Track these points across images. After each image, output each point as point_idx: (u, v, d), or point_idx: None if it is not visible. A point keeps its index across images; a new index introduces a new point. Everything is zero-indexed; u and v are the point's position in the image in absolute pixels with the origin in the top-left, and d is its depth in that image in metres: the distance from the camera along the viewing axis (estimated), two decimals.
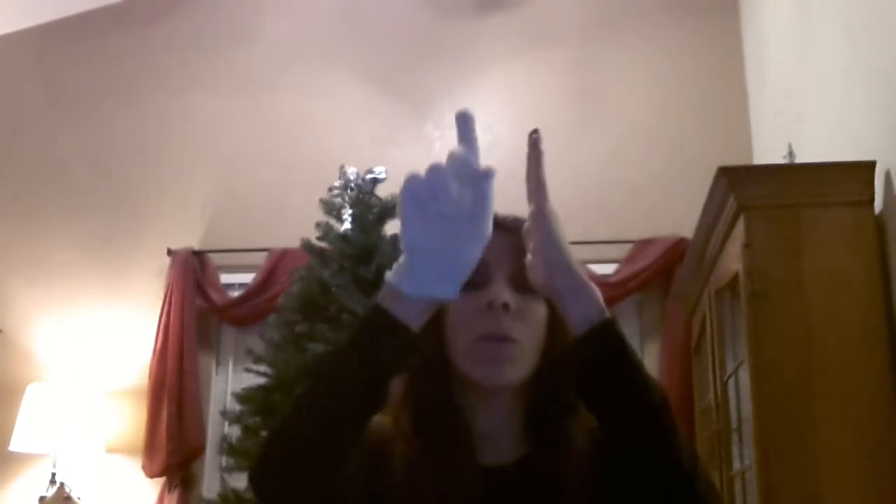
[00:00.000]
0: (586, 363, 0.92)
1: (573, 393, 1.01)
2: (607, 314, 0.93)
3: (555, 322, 1.02)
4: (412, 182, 0.85)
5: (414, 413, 1.02)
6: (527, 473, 0.99)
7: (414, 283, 0.88)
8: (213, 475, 3.74)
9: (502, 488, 0.98)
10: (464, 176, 0.86)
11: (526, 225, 0.97)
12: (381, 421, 1.03)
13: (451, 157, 0.88)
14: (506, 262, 1.02)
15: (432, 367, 1.02)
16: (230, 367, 4.01)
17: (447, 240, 0.86)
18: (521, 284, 1.01)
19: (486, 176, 0.87)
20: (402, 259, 0.90)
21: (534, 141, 0.97)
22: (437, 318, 1.01)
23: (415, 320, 0.90)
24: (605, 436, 0.94)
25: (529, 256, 0.96)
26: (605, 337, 0.92)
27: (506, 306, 0.98)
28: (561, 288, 0.94)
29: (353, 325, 0.95)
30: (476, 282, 0.99)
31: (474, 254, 0.89)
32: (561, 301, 0.94)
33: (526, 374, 1.01)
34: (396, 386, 1.03)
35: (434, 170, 0.86)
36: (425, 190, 0.85)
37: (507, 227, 1.05)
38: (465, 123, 0.91)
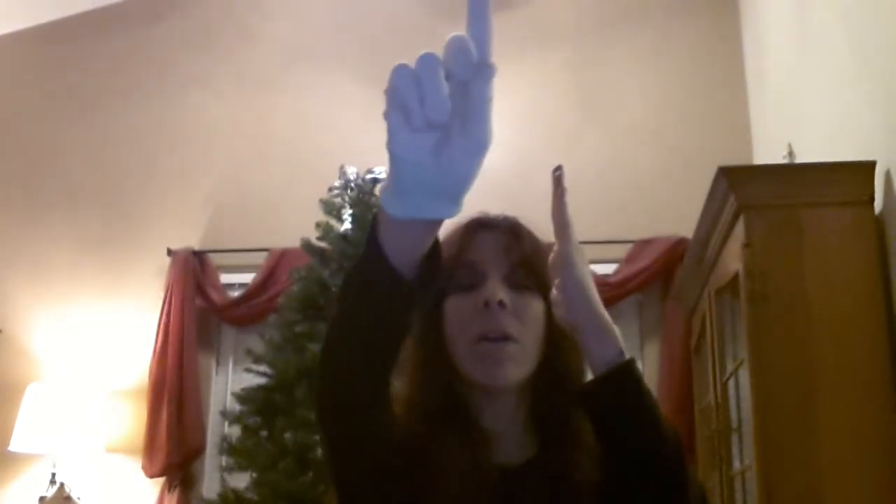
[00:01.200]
0: (602, 405, 0.93)
1: (577, 387, 1.01)
2: (626, 356, 0.93)
3: (553, 317, 1.02)
4: (398, 79, 0.68)
5: (422, 416, 1.01)
6: (537, 473, 0.99)
7: (403, 203, 0.72)
8: (213, 475, 3.75)
9: (514, 488, 0.98)
10: (461, 69, 0.67)
11: (551, 259, 0.98)
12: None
13: (450, 44, 0.68)
14: (499, 262, 1.03)
15: (435, 370, 1.02)
16: (230, 367, 4.01)
17: (438, 153, 0.69)
18: (516, 282, 1.02)
19: (486, 72, 0.68)
20: (388, 174, 0.73)
21: (557, 178, 0.99)
22: (437, 321, 1.02)
23: (411, 248, 0.78)
24: (615, 474, 0.94)
25: (555, 292, 0.97)
26: (623, 381, 0.92)
27: (501, 304, 0.99)
28: (582, 327, 0.94)
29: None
30: (471, 283, 1.01)
31: (471, 167, 0.71)
32: (581, 339, 0.95)
33: (528, 371, 1.02)
34: (401, 389, 1.04)
35: (424, 62, 0.67)
36: (412, 90, 0.68)
37: (498, 227, 1.06)
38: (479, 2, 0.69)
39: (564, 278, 0.95)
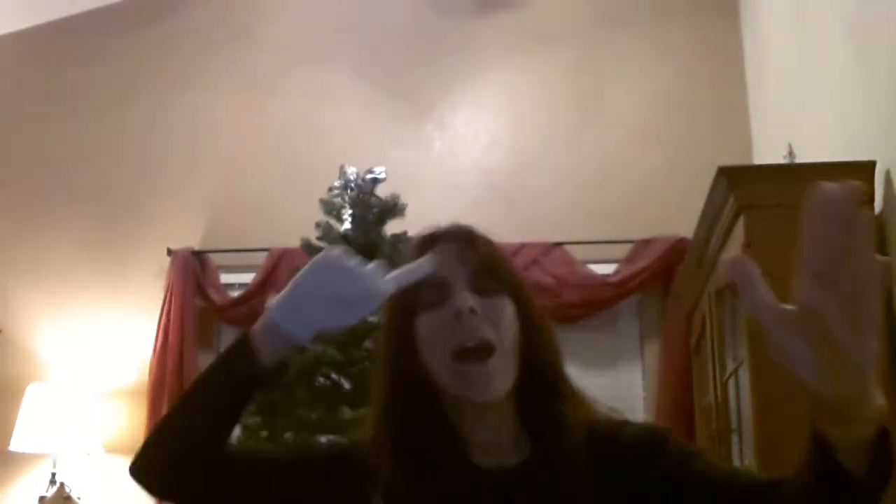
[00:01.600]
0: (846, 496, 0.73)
1: (554, 374, 1.03)
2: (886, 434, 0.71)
3: (524, 316, 1.03)
4: (327, 256, 1.00)
5: (395, 438, 1.01)
6: (532, 475, 0.98)
7: (282, 313, 0.99)
8: None
9: (509, 491, 0.98)
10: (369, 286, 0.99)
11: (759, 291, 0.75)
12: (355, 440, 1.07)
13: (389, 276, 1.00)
14: (462, 271, 1.02)
15: (413, 387, 1.02)
16: None
17: (326, 305, 0.98)
18: (481, 287, 1.02)
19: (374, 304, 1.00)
20: (284, 293, 1.00)
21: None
22: (410, 342, 1.02)
23: (272, 354, 1.00)
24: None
25: (784, 343, 0.68)
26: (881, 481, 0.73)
27: (472, 311, 0.99)
28: (848, 417, 0.69)
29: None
30: (438, 298, 1.01)
31: (334, 323, 1.00)
32: (834, 412, 0.69)
33: (514, 378, 1.01)
34: (371, 409, 1.06)
35: (345, 266, 0.99)
36: (331, 268, 0.99)
37: (450, 237, 1.06)
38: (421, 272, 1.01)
39: (862, 347, 0.65)
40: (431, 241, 1.07)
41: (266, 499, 1.03)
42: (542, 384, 1.02)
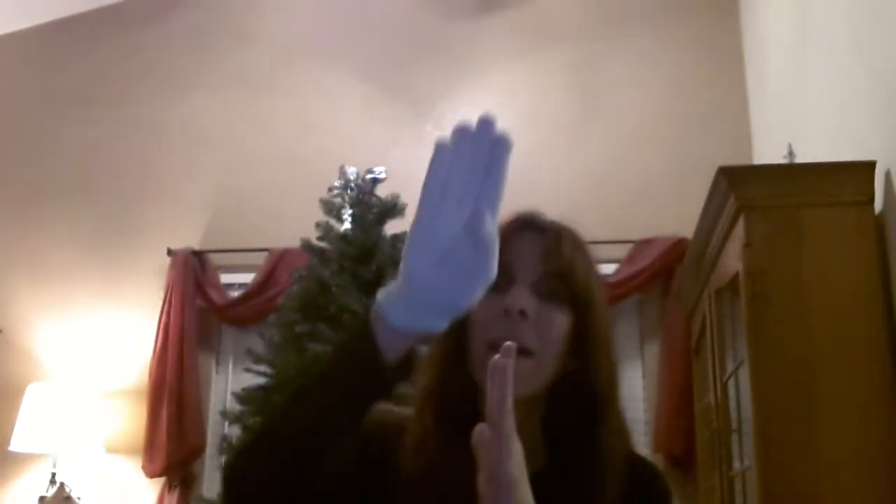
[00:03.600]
0: None
1: (602, 403, 0.99)
2: None
3: (577, 334, 0.99)
4: (442, 159, 0.79)
5: (438, 411, 0.99)
6: (540, 487, 0.97)
7: (408, 315, 0.85)
8: (213, 475, 3.75)
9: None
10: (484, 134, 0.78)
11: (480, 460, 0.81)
12: (390, 409, 1.03)
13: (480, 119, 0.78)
14: (531, 267, 0.99)
15: (454, 369, 1.00)
16: (230, 367, 4.01)
17: (450, 274, 0.81)
18: (545, 291, 0.98)
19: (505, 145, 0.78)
20: (399, 282, 0.85)
21: (501, 363, 0.81)
22: (463, 318, 0.99)
23: (398, 351, 0.87)
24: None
25: (485, 492, 0.80)
26: None
27: (522, 313, 0.95)
28: None
29: (343, 340, 0.92)
30: (498, 284, 0.95)
31: (474, 293, 0.84)
32: None
33: (541, 385, 0.98)
34: (421, 380, 1.03)
35: (461, 137, 0.78)
36: (450, 171, 0.79)
37: (542, 230, 1.02)
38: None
39: (503, 495, 0.79)
40: (522, 226, 1.02)
41: None
42: (582, 405, 0.99)
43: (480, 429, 0.78)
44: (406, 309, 0.84)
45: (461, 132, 0.78)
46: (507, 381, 0.78)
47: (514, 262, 0.98)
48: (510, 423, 0.78)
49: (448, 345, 1.01)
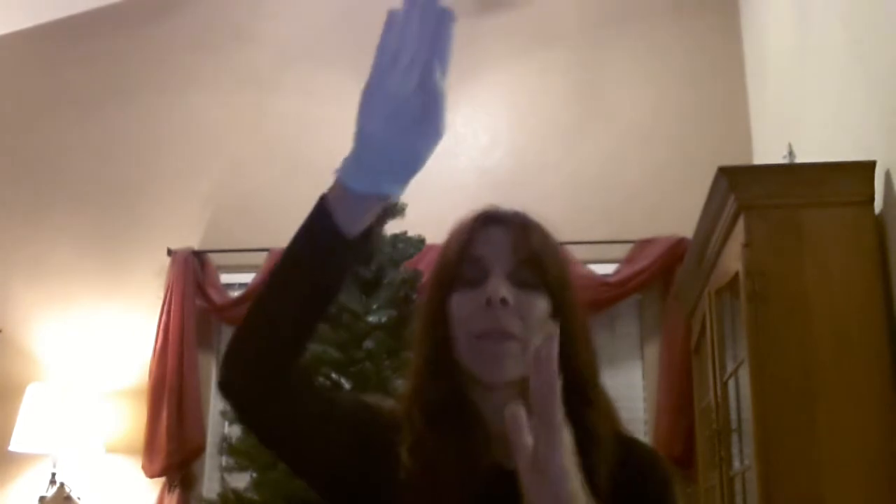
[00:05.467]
0: None
1: (584, 383, 1.01)
2: None
3: (558, 316, 1.01)
4: (393, 27, 0.86)
5: (425, 409, 1.01)
6: None
7: (362, 177, 0.87)
8: (213, 475, 3.75)
9: (508, 489, 0.97)
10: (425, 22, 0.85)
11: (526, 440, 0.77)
12: (384, 400, 1.06)
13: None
14: (505, 258, 1.01)
15: (440, 366, 1.02)
16: None
17: (401, 130, 0.85)
18: (521, 280, 1.00)
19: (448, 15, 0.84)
20: (354, 146, 0.88)
21: (545, 350, 0.77)
22: (443, 316, 1.02)
23: (358, 224, 0.90)
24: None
25: (528, 483, 0.75)
26: None
27: (504, 302, 0.98)
28: None
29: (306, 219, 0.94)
30: (475, 279, 1.00)
31: (427, 152, 0.86)
32: None
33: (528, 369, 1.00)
34: (406, 381, 1.05)
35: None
36: (399, 38, 0.86)
37: (507, 222, 1.05)
38: None
39: (555, 488, 0.75)
40: (487, 220, 1.05)
41: (322, 437, 0.98)
42: (567, 389, 1.01)
43: (514, 412, 0.75)
44: (361, 172, 0.87)
45: (410, 1, 0.84)
46: (552, 367, 0.75)
47: (486, 256, 1.01)
48: (559, 412, 0.75)
49: (430, 345, 1.03)
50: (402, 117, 0.85)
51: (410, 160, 0.86)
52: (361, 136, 0.86)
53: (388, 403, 1.08)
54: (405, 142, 0.85)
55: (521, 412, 0.76)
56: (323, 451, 0.99)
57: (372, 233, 0.93)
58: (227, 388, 0.94)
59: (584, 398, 1.00)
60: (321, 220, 0.91)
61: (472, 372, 1.00)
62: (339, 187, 0.90)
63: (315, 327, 0.94)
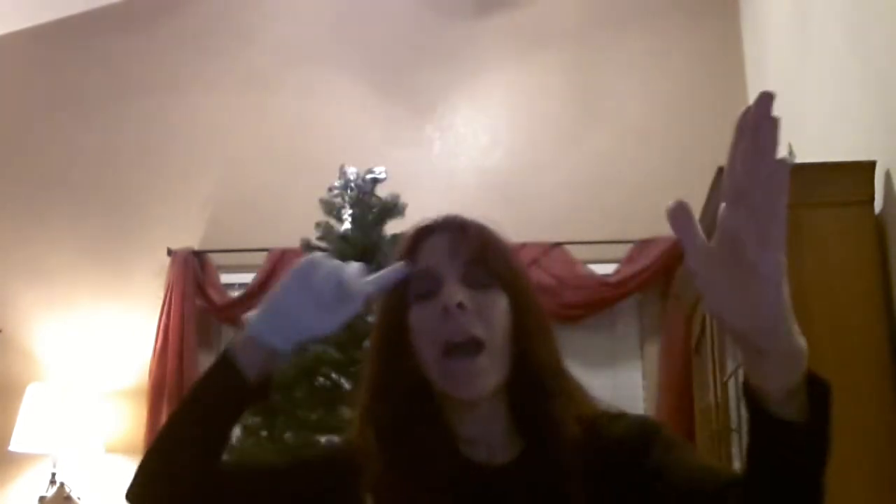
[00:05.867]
0: (782, 447, 0.75)
1: (549, 374, 1.00)
2: (819, 379, 0.73)
3: (518, 310, 1.00)
4: (305, 262, 1.00)
5: (381, 428, 1.00)
6: (522, 472, 0.97)
7: (270, 333, 0.98)
8: None
9: (493, 488, 0.97)
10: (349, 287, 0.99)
11: (699, 236, 0.77)
12: (346, 441, 1.07)
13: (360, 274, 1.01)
14: (453, 263, 1.01)
15: (404, 380, 1.00)
16: None
17: (312, 310, 0.98)
18: (473, 281, 1.00)
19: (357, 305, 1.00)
20: (264, 310, 0.99)
21: (764, 106, 0.72)
22: (403, 331, 1.01)
23: (256, 368, 0.98)
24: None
25: (708, 289, 0.72)
26: (818, 428, 0.74)
27: (461, 306, 0.97)
28: (773, 349, 0.70)
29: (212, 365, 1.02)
30: (428, 290, 1.00)
31: (315, 330, 0.99)
32: (761, 360, 0.71)
33: (503, 376, 0.99)
34: (354, 405, 1.06)
35: (327, 268, 0.99)
36: (310, 273, 0.99)
37: (443, 229, 1.05)
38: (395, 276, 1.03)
39: (767, 275, 0.72)
40: (424, 232, 1.06)
41: None
42: (533, 380, 1.00)
43: (679, 204, 0.73)
44: (269, 328, 0.98)
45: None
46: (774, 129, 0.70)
47: (435, 265, 1.01)
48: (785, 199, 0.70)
49: (387, 359, 1.03)
50: (315, 302, 0.98)
51: (311, 331, 0.99)
52: (276, 303, 0.99)
53: (347, 443, 1.08)
54: (312, 318, 0.98)
55: (686, 204, 0.73)
56: None
57: (270, 381, 1.01)
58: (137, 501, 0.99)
59: (547, 391, 1.00)
60: (226, 364, 0.98)
61: (445, 390, 0.99)
62: (247, 337, 0.99)
63: (212, 456, 0.99)
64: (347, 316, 1.00)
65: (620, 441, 0.99)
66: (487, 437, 1.00)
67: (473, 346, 0.97)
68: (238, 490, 1.01)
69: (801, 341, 0.70)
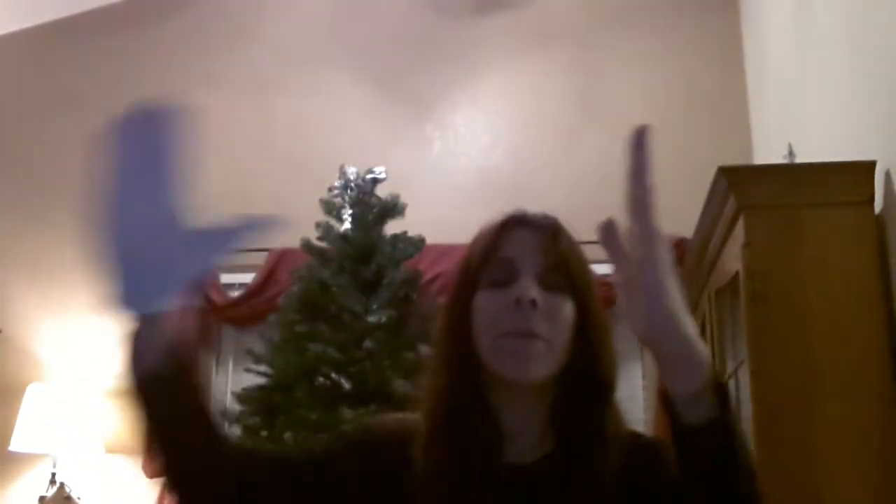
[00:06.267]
0: (691, 452, 0.81)
1: (606, 389, 1.02)
2: (717, 379, 0.80)
3: (583, 322, 1.01)
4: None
5: (445, 409, 1.01)
6: (549, 470, 0.98)
7: (131, 300, 0.94)
8: None
9: (520, 487, 0.97)
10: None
11: (624, 252, 0.85)
12: (402, 417, 1.07)
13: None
14: (533, 260, 1.01)
15: (462, 364, 1.01)
16: (230, 367, 4.00)
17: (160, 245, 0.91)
18: (549, 282, 1.00)
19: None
20: (108, 276, 0.94)
21: (639, 138, 0.86)
22: (466, 314, 1.01)
23: (157, 342, 0.94)
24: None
25: (623, 300, 0.84)
26: (718, 429, 0.79)
27: (533, 303, 0.97)
28: (667, 354, 0.80)
29: None
30: (504, 279, 1.00)
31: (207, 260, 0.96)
32: (662, 365, 0.81)
33: (551, 371, 1.00)
34: (427, 379, 1.05)
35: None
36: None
37: (535, 225, 1.05)
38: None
39: (649, 284, 0.81)
40: (516, 223, 1.05)
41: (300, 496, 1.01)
42: (587, 391, 1.01)
43: (608, 221, 0.85)
44: (128, 294, 0.95)
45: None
46: (646, 163, 0.83)
47: (515, 257, 1.01)
48: (656, 221, 0.84)
49: (453, 342, 1.03)
50: (154, 233, 0.89)
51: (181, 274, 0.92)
52: (113, 260, 0.90)
53: (391, 418, 1.08)
54: (170, 256, 0.90)
55: (615, 221, 0.83)
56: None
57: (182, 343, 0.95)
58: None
59: (605, 401, 1.01)
60: (126, 364, 0.95)
61: (496, 371, 0.99)
62: (130, 325, 0.94)
63: (205, 434, 0.97)
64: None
65: (651, 456, 1.00)
66: (525, 432, 1.01)
67: (533, 338, 0.98)
68: (278, 482, 1.00)
69: (701, 348, 0.79)
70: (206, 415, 0.97)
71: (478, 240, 1.05)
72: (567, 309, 1.00)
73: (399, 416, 1.08)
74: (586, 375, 1.01)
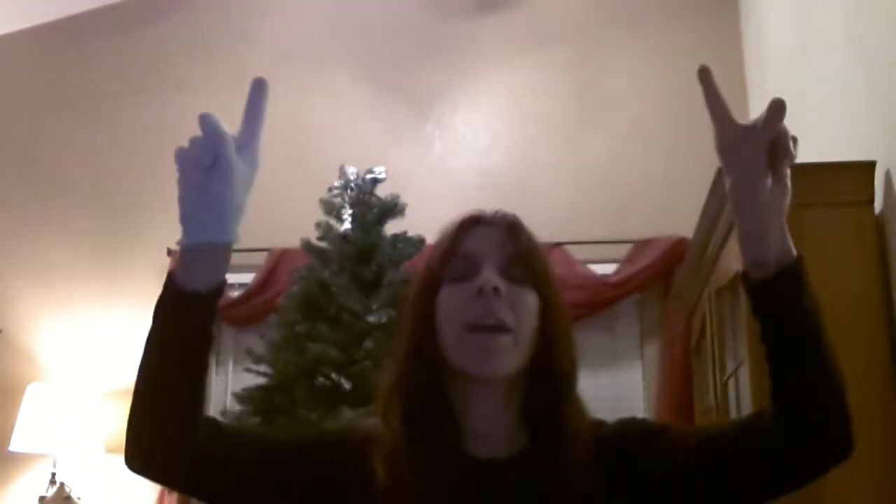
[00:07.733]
0: (775, 308, 1.03)
1: (567, 382, 1.02)
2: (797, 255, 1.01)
3: (547, 312, 1.02)
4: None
5: (403, 408, 1.01)
6: (522, 468, 0.98)
7: (189, 232, 0.93)
8: None
9: (496, 483, 0.97)
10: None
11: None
12: (366, 420, 1.06)
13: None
14: (494, 254, 1.03)
15: (424, 360, 1.02)
16: (230, 367, 4.00)
17: (208, 189, 0.93)
18: (511, 275, 1.02)
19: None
20: (182, 216, 0.95)
21: (704, 74, 1.07)
22: (429, 311, 1.02)
23: (203, 278, 0.95)
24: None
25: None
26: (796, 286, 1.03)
27: (496, 290, 0.99)
28: (760, 237, 1.04)
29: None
30: (466, 273, 1.01)
31: (238, 198, 0.97)
32: (755, 238, 1.03)
33: (519, 365, 1.00)
34: (386, 378, 1.05)
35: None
36: (192, 156, 0.94)
37: (493, 223, 1.07)
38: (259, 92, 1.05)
39: (751, 190, 0.99)
40: (474, 222, 1.07)
41: (267, 479, 0.99)
42: (549, 385, 1.02)
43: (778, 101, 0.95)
44: (185, 227, 0.94)
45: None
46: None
47: (476, 252, 1.03)
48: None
49: (416, 337, 1.03)
50: (193, 168, 0.93)
51: (228, 207, 0.95)
52: (188, 202, 0.94)
53: (368, 422, 1.08)
54: (225, 189, 0.94)
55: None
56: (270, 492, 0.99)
57: (223, 285, 0.97)
58: (140, 465, 0.96)
59: (564, 396, 1.02)
60: (168, 287, 0.98)
61: (461, 366, 1.00)
62: (185, 252, 0.96)
63: (200, 382, 0.96)
64: (251, 159, 1.03)
65: (621, 437, 1.01)
66: (492, 429, 1.01)
67: (500, 329, 0.98)
68: (240, 450, 0.99)
69: (792, 252, 1.02)
70: (207, 361, 0.99)
71: (440, 239, 1.07)
72: (531, 300, 1.01)
73: (360, 421, 1.10)
74: (549, 369, 1.01)
